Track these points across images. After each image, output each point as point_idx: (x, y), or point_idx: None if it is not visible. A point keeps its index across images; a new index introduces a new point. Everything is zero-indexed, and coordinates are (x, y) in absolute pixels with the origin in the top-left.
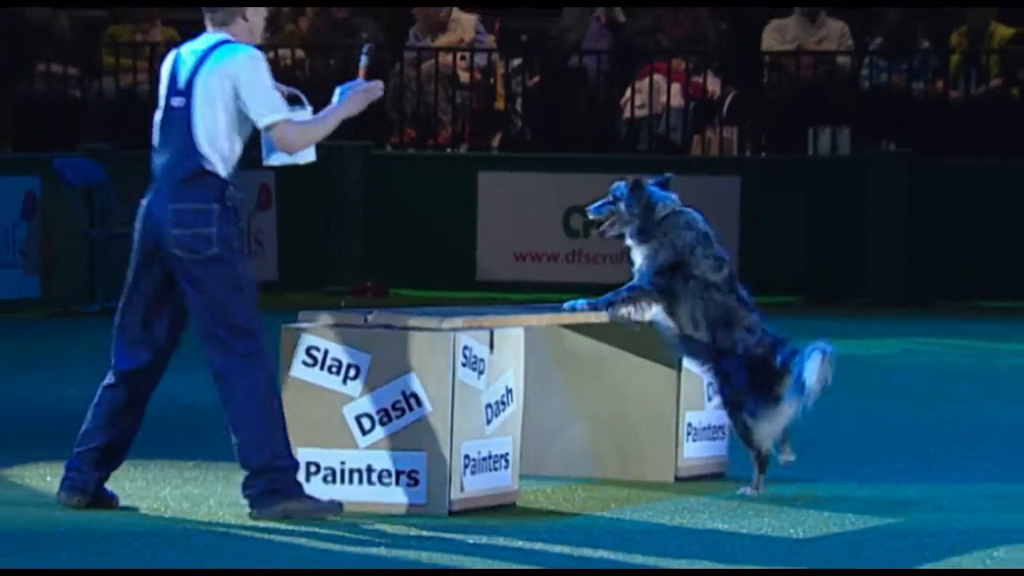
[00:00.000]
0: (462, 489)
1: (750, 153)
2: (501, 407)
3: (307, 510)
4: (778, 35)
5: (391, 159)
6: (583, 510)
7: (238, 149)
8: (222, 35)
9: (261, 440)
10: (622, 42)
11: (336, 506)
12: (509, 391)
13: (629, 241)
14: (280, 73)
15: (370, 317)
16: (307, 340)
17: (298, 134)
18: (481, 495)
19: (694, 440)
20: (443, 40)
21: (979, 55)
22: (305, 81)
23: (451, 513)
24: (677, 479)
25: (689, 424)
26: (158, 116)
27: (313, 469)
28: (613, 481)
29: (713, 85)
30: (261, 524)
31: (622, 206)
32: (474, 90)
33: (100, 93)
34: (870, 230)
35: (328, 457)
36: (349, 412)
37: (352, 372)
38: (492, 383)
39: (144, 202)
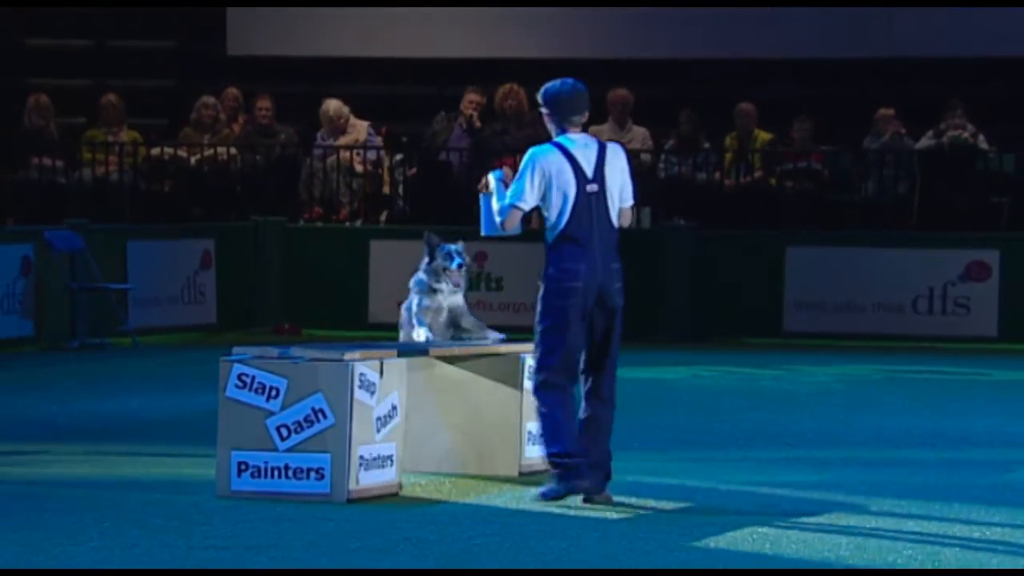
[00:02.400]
0: (357, 482)
1: None
2: (388, 419)
3: (610, 498)
4: None
5: (303, 231)
6: (449, 497)
7: None
8: (588, 136)
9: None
10: (478, 142)
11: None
12: (394, 407)
13: (461, 290)
14: (218, 164)
15: (291, 351)
16: (238, 368)
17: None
18: (372, 487)
19: (532, 444)
20: (343, 140)
21: (746, 153)
22: (237, 171)
23: (348, 501)
24: (520, 474)
25: (528, 432)
26: (572, 196)
27: (244, 467)
28: (472, 475)
29: None
30: (182, 502)
31: (467, 262)
32: (366, 178)
33: (80, 181)
34: (665, 284)
35: (255, 458)
36: (271, 423)
37: (273, 393)
38: (381, 401)
39: (580, 267)
